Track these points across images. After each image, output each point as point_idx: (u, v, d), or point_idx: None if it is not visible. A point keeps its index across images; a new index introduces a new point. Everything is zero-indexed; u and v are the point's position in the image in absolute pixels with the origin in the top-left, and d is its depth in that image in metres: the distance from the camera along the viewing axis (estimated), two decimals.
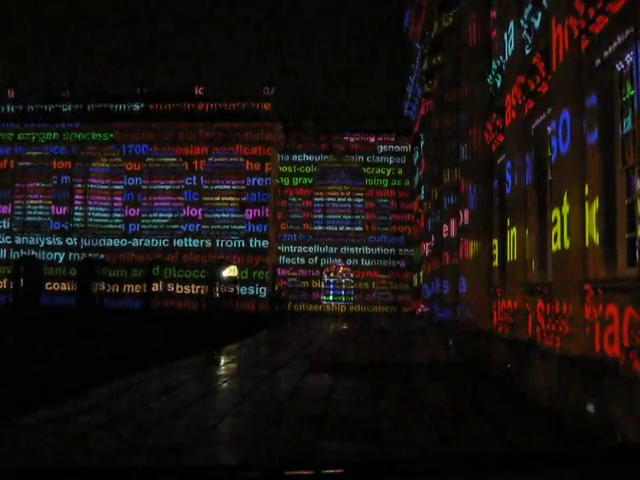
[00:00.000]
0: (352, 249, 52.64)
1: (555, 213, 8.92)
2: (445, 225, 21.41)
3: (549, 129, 9.78)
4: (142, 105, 50.88)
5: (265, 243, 49.14)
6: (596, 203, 8.26)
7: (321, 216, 53.67)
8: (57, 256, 50.70)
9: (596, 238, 8.19)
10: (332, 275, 52.97)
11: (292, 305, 50.33)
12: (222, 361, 15.48)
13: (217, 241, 49.92)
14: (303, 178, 53.17)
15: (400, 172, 52.61)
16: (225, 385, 11.50)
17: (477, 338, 14.22)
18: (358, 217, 53.39)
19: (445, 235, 21.37)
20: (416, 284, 44.50)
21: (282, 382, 11.94)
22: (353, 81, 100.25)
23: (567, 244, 8.45)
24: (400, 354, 15.31)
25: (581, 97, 8.60)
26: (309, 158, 53.19)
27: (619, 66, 8.05)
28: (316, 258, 52.54)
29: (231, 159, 50.31)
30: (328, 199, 53.67)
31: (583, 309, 8.28)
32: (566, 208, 8.50)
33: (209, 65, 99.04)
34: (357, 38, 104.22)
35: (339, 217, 53.53)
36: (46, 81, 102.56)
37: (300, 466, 1.71)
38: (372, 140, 52.92)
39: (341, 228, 53.27)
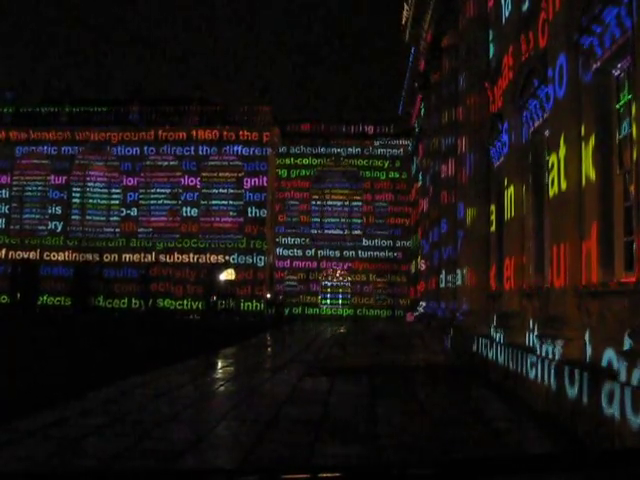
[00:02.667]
0: (350, 243, 52.71)
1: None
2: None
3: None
4: (139, 109, 50.91)
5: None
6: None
7: (318, 219, 53.69)
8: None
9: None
10: (329, 278, 52.98)
11: (290, 303, 50.50)
12: (219, 364, 15.46)
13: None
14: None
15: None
16: (222, 388, 11.48)
17: (475, 341, 14.22)
18: (357, 220, 53.39)
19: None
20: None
21: (279, 385, 11.92)
22: (351, 83, 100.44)
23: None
24: (398, 357, 15.30)
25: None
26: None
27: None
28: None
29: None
30: (325, 200, 53.64)
31: (580, 313, 8.28)
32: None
33: (207, 68, 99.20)
34: (355, 40, 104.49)
35: (336, 219, 53.55)
36: (45, 83, 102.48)
37: (297, 469, 1.71)
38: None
39: (339, 232, 53.30)
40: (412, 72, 39.81)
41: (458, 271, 17.64)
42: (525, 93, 11.63)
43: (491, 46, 16.19)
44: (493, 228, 14.96)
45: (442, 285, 22.22)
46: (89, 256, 50.43)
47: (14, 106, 51.91)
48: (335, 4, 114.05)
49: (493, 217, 15.04)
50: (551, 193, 9.12)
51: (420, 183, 36.37)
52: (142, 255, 49.98)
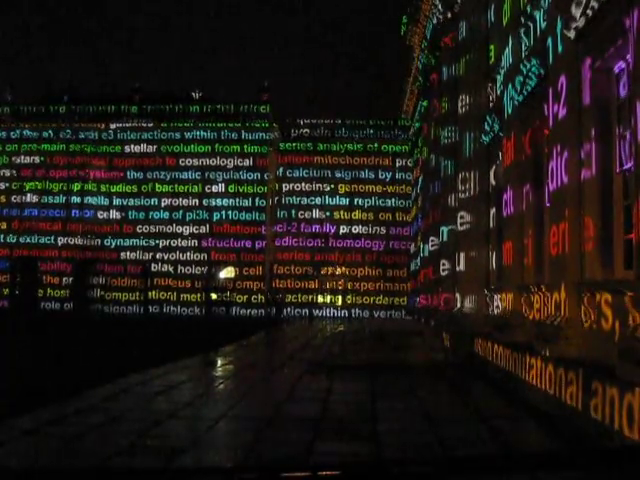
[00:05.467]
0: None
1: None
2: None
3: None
4: (138, 108, 51.04)
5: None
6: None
7: (318, 213, 53.57)
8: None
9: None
10: (329, 271, 52.91)
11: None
12: (219, 362, 15.45)
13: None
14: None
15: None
16: (222, 387, 11.47)
17: (474, 339, 14.22)
18: (357, 213, 53.30)
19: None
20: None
21: (279, 384, 11.92)
22: (351, 86, 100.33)
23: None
24: (397, 355, 15.29)
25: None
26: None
27: None
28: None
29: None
30: (325, 194, 53.54)
31: (580, 311, 8.27)
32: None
33: (207, 65, 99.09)
34: (356, 41, 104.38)
35: (337, 214, 53.50)
36: (45, 81, 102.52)
37: (296, 468, 1.70)
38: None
39: (339, 225, 53.25)
40: (412, 69, 39.79)
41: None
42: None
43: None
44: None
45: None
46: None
47: (14, 104, 52.02)
48: (336, 4, 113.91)
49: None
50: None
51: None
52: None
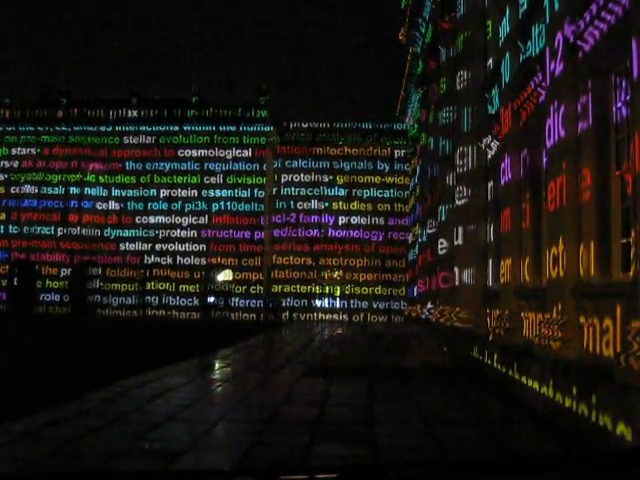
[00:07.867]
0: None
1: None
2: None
3: None
4: (136, 111, 51.02)
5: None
6: None
7: (316, 211, 53.30)
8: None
9: None
10: (327, 269, 52.74)
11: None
12: (217, 365, 15.43)
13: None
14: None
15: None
16: (219, 389, 11.46)
17: (472, 342, 14.22)
18: (354, 209, 53.12)
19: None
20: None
21: (277, 386, 11.91)
22: (350, 88, 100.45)
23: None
24: (395, 358, 15.27)
25: None
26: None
27: None
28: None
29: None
30: (324, 191, 53.33)
31: (577, 314, 8.28)
32: None
33: (205, 67, 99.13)
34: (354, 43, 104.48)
35: (334, 213, 53.31)
36: (42, 84, 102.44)
37: (294, 470, 1.71)
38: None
39: (337, 225, 53.12)
40: (409, 72, 39.86)
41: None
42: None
43: None
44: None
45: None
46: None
47: (11, 106, 51.96)
48: (335, 6, 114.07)
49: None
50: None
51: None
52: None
